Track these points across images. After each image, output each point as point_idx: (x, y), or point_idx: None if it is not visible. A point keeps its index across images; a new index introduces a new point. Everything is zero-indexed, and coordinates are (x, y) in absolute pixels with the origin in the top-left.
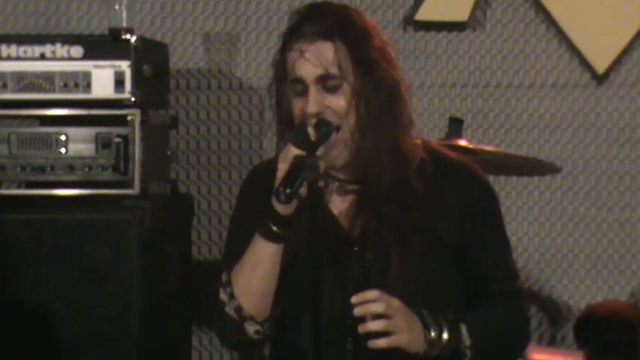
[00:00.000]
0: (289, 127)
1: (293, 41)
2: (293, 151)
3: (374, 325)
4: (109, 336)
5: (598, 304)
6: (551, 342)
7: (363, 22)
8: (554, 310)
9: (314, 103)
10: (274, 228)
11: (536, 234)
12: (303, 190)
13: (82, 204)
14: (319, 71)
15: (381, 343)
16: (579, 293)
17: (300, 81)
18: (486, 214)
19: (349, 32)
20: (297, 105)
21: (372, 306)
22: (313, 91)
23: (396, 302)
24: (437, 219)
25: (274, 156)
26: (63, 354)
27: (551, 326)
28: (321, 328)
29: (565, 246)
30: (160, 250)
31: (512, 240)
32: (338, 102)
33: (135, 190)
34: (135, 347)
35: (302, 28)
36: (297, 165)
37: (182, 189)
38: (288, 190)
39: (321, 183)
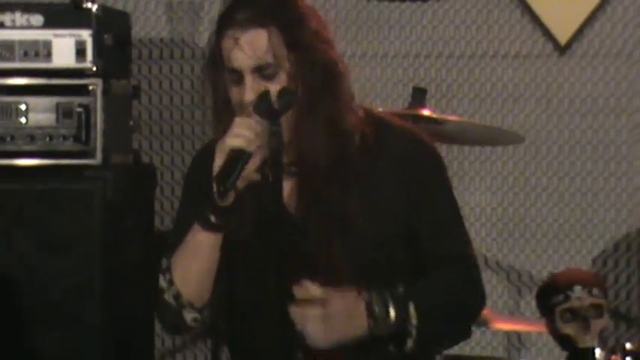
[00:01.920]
0: (226, 112)
1: (226, 28)
2: (229, 142)
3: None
4: (72, 306)
5: (560, 273)
6: (515, 311)
7: (296, 5)
8: (516, 280)
9: (251, 91)
10: (212, 218)
11: (499, 204)
12: (249, 173)
13: (43, 174)
14: (254, 61)
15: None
16: (542, 262)
17: (236, 71)
18: (431, 181)
19: (282, 17)
20: (234, 92)
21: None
22: (249, 80)
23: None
24: (380, 192)
25: (214, 139)
26: (26, 323)
27: (514, 295)
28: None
29: (527, 215)
30: (122, 221)
31: (475, 210)
32: (275, 88)
33: (97, 160)
34: (97, 317)
35: (235, 14)
36: (233, 158)
37: (145, 159)
38: (221, 188)
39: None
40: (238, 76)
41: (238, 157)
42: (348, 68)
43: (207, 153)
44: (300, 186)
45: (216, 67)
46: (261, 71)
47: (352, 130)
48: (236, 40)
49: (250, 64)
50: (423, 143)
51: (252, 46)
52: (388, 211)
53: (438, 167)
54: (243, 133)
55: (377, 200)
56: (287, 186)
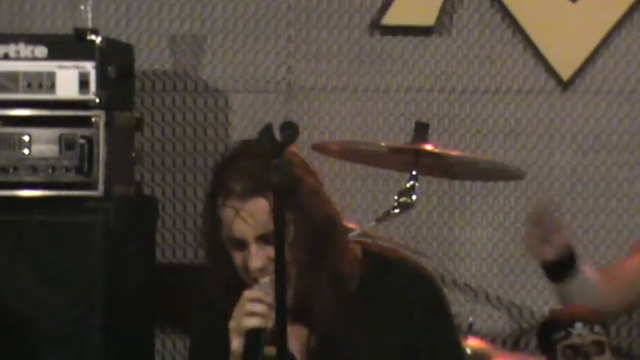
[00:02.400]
0: (230, 276)
1: (225, 198)
2: (244, 323)
3: None
4: (73, 337)
5: (561, 309)
6: (515, 347)
7: (291, 167)
8: (517, 316)
9: (257, 258)
10: None
11: (501, 239)
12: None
13: (45, 205)
14: (258, 231)
15: None
16: (542, 298)
17: (239, 240)
18: (433, 318)
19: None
20: (237, 257)
21: None
22: (254, 248)
23: None
24: (384, 331)
25: (210, 282)
26: (27, 356)
27: (515, 332)
28: None
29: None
30: (123, 252)
31: (477, 245)
32: None
33: (99, 191)
34: (98, 349)
35: (232, 185)
36: (252, 340)
37: (146, 191)
38: None
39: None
40: (241, 243)
41: (258, 337)
42: (343, 219)
43: (208, 304)
44: (308, 333)
45: (215, 233)
46: (265, 238)
47: (352, 275)
48: (237, 212)
49: (254, 234)
50: (423, 279)
51: (254, 217)
52: (394, 349)
53: (438, 303)
54: (257, 310)
55: (382, 340)
56: (291, 333)
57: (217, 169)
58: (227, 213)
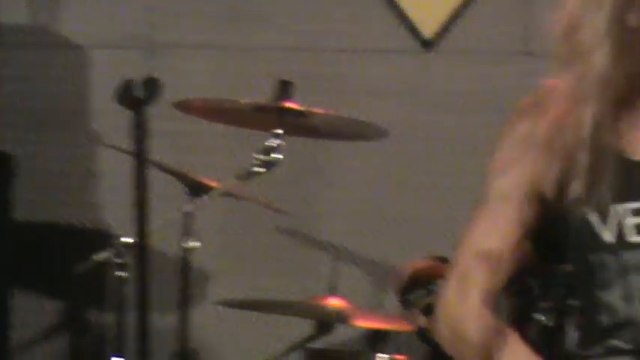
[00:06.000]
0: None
1: None
2: None
3: None
4: None
5: (420, 267)
6: (378, 307)
7: None
8: (380, 275)
9: None
10: None
11: (364, 198)
12: None
13: None
14: None
15: None
16: (406, 258)
17: None
18: None
19: None
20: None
21: None
22: None
23: None
24: None
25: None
26: None
27: (377, 291)
28: None
29: (393, 210)
30: None
31: (340, 204)
32: None
33: None
34: None
35: None
36: None
37: (5, 148)
38: None
39: None
40: None
41: None
42: None
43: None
44: None
45: None
46: None
47: None
48: None
49: None
50: None
51: None
52: None
53: None
54: None
55: None
56: None
57: None
58: None
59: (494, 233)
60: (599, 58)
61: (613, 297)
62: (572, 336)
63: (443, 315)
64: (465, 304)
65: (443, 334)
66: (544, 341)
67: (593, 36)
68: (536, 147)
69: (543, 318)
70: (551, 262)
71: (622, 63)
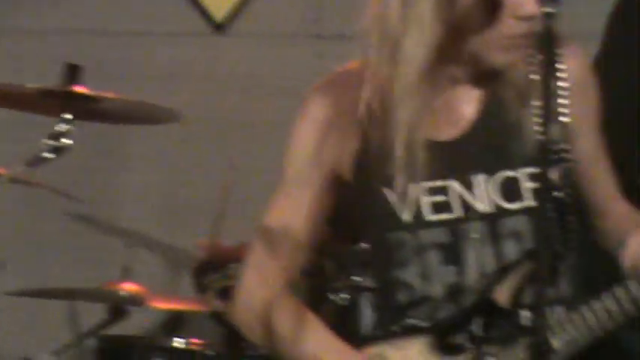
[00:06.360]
0: None
1: None
2: None
3: None
4: None
5: (215, 251)
6: (173, 290)
7: None
8: (174, 259)
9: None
10: None
11: (158, 182)
12: None
13: None
14: None
15: None
16: (199, 240)
17: None
18: None
19: None
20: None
21: None
22: None
23: None
24: None
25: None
26: None
27: (173, 275)
28: None
29: (186, 194)
30: None
31: (134, 189)
32: None
33: None
34: None
35: None
36: None
37: None
38: None
39: None
40: None
41: None
42: None
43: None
44: None
45: None
46: None
47: None
48: None
49: None
50: None
51: None
52: None
53: None
54: None
55: None
56: None
57: None
58: None
59: (292, 216)
60: (409, 44)
61: (410, 275)
62: (367, 315)
63: (242, 298)
64: (264, 288)
65: (242, 317)
66: (339, 321)
67: (402, 22)
68: (333, 129)
69: (338, 298)
70: (348, 242)
71: (430, 49)
